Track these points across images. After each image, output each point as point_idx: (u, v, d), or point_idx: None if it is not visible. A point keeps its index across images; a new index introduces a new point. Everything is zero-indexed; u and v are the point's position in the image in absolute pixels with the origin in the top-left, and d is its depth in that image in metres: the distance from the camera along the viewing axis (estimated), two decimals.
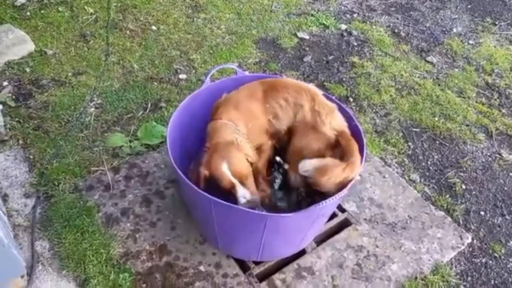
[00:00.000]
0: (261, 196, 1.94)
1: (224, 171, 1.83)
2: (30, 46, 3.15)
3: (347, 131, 2.03)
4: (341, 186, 1.81)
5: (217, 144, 1.90)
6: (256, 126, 2.04)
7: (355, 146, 1.93)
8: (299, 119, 2.06)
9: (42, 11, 3.50)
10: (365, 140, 2.00)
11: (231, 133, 1.93)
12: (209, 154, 1.89)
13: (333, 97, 2.22)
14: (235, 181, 1.82)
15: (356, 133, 2.03)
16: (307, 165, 1.89)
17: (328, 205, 1.74)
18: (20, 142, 2.55)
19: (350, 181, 1.83)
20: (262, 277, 2.08)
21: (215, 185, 1.86)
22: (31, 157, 2.48)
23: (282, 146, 2.14)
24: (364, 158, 1.91)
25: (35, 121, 2.68)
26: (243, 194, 1.82)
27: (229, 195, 1.84)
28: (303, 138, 2.04)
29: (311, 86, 2.16)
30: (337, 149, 1.98)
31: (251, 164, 1.93)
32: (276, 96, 2.08)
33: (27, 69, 3.03)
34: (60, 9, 3.54)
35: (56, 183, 2.34)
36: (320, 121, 2.02)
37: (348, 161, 1.85)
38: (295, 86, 2.12)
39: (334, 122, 2.03)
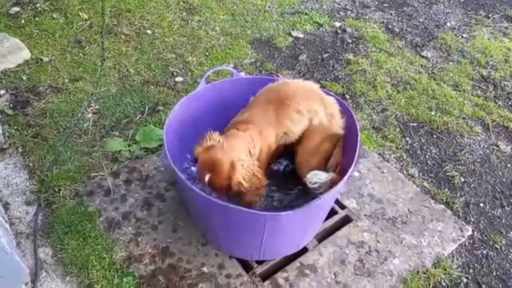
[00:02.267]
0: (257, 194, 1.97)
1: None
2: (25, 54, 3.16)
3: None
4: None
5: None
6: (264, 150, 2.04)
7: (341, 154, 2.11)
8: (315, 123, 2.09)
9: (36, 19, 3.50)
10: (359, 136, 2.02)
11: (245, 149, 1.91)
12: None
13: (331, 93, 2.23)
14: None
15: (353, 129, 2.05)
16: (316, 180, 1.98)
17: (325, 200, 1.75)
18: (20, 150, 2.55)
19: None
20: (265, 276, 2.08)
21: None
22: (31, 164, 2.48)
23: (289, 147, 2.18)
24: (357, 153, 1.92)
25: (34, 129, 2.68)
26: None
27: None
28: (316, 139, 2.10)
29: (312, 85, 2.17)
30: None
31: None
32: (288, 113, 2.05)
33: (24, 77, 3.04)
34: (54, 16, 3.55)
35: (57, 190, 2.35)
36: (334, 123, 2.11)
37: (339, 168, 2.02)
38: (303, 93, 2.09)
39: (341, 121, 2.13)
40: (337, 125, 2.12)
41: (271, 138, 2.05)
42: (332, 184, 1.95)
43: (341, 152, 2.12)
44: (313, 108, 2.07)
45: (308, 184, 1.99)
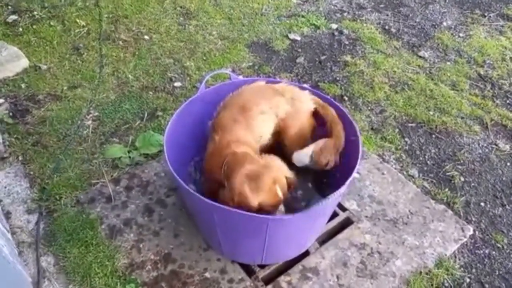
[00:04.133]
0: None
1: (279, 193, 1.79)
2: (24, 62, 3.16)
3: (318, 99, 2.18)
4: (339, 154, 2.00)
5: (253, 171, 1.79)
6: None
7: (332, 111, 2.12)
8: (283, 116, 2.10)
9: (34, 26, 3.51)
10: (361, 138, 2.03)
11: (255, 160, 1.87)
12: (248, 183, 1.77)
13: (328, 96, 2.24)
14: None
15: (352, 131, 2.05)
16: (302, 158, 1.99)
17: (327, 204, 1.76)
18: (20, 158, 2.56)
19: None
20: (268, 280, 2.09)
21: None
22: (32, 173, 2.49)
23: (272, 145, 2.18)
24: (360, 156, 1.93)
25: (34, 137, 2.68)
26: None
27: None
28: (292, 129, 2.10)
29: (260, 82, 2.21)
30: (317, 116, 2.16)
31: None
32: (254, 117, 2.04)
33: (23, 85, 3.04)
34: (51, 23, 3.55)
35: (58, 198, 2.35)
36: (299, 104, 2.11)
37: (334, 133, 2.05)
38: (258, 93, 2.10)
39: (305, 96, 2.15)
40: (304, 103, 2.12)
41: (255, 147, 2.04)
42: (321, 151, 1.99)
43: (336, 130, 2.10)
44: (273, 104, 2.07)
45: (300, 165, 2.01)
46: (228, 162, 1.83)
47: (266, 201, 1.76)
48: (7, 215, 2.26)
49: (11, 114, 2.82)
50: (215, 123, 2.05)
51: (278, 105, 2.09)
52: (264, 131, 2.08)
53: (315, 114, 2.17)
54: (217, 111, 2.11)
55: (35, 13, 3.62)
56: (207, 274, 2.08)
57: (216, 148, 1.95)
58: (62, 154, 2.57)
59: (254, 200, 1.74)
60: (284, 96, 2.12)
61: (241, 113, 2.02)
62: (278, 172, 1.83)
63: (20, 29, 3.48)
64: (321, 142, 2.05)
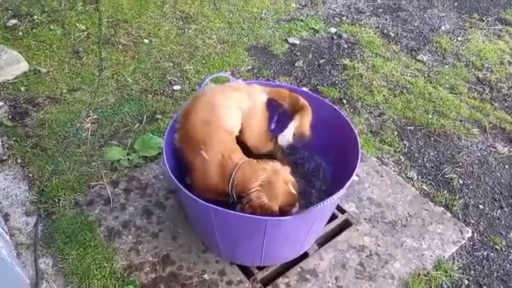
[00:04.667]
0: None
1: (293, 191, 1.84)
2: (24, 66, 3.17)
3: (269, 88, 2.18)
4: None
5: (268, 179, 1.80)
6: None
7: (287, 92, 2.15)
8: (245, 110, 2.06)
9: (34, 30, 3.52)
10: (359, 140, 2.03)
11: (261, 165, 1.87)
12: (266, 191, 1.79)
13: (327, 100, 2.25)
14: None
15: (350, 134, 2.06)
16: (288, 137, 2.03)
17: (326, 207, 1.76)
18: (19, 161, 2.56)
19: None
20: (267, 282, 2.08)
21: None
22: (30, 175, 2.49)
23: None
24: (359, 158, 1.93)
25: (33, 139, 2.69)
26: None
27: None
28: (254, 122, 2.09)
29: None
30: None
31: None
32: (221, 109, 2.01)
33: (22, 88, 3.05)
34: (51, 27, 3.57)
35: (57, 200, 2.35)
36: (255, 97, 2.11)
37: (300, 108, 2.08)
38: (223, 91, 2.08)
39: (257, 88, 2.14)
40: (258, 96, 2.11)
41: (235, 144, 2.03)
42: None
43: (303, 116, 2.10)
44: (236, 99, 2.06)
45: (287, 144, 2.05)
46: (237, 177, 1.82)
47: (284, 202, 1.81)
48: (6, 217, 2.26)
49: (10, 117, 2.83)
50: (189, 137, 1.94)
51: (240, 99, 2.07)
52: (234, 124, 2.03)
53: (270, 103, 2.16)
54: (179, 121, 2.02)
55: (35, 17, 3.64)
56: (205, 276, 2.08)
57: (212, 165, 1.86)
58: (61, 157, 2.57)
59: (275, 206, 1.78)
60: (241, 91, 2.10)
61: (209, 111, 1.96)
62: (285, 172, 1.86)
63: (20, 33, 3.49)
64: (297, 118, 2.07)
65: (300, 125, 2.06)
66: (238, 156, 1.90)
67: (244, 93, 2.09)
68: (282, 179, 1.81)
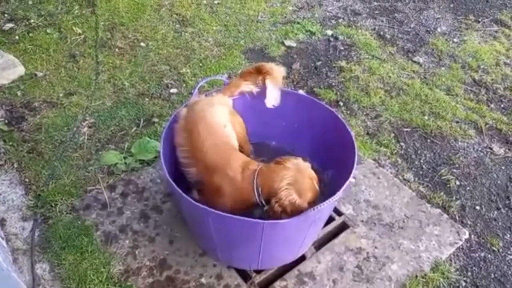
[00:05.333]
0: None
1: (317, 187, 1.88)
2: (20, 70, 3.17)
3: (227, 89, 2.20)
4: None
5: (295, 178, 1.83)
6: None
7: (248, 72, 2.19)
8: (231, 109, 2.13)
9: (30, 34, 3.52)
10: (355, 142, 2.04)
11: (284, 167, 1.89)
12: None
13: (323, 102, 2.26)
14: None
15: (346, 136, 2.06)
16: (271, 100, 2.09)
17: (323, 209, 1.76)
18: (15, 165, 2.55)
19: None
20: (264, 286, 2.08)
21: None
22: (27, 180, 2.48)
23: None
24: (355, 160, 1.94)
25: (29, 144, 2.68)
26: None
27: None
28: (241, 131, 2.16)
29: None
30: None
31: None
32: (214, 117, 2.03)
33: (19, 93, 3.04)
34: (48, 31, 3.57)
35: (53, 205, 2.34)
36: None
37: (269, 72, 2.11)
38: (215, 110, 2.06)
39: (221, 96, 2.16)
40: (226, 101, 2.15)
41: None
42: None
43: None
44: (224, 112, 2.08)
45: (276, 103, 2.10)
46: (260, 182, 1.85)
47: (311, 199, 1.84)
48: (2, 222, 2.26)
49: (6, 121, 2.83)
50: (201, 161, 1.93)
51: (225, 112, 2.08)
52: (234, 138, 2.06)
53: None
54: (182, 144, 2.00)
55: (32, 21, 3.64)
56: (203, 280, 2.07)
57: (240, 181, 1.88)
58: (58, 161, 2.57)
59: (304, 203, 1.81)
60: (222, 104, 2.12)
61: (213, 133, 1.96)
62: (308, 168, 1.89)
63: (17, 37, 3.49)
64: (270, 80, 2.10)
65: (276, 83, 2.08)
66: (253, 164, 1.93)
67: (224, 105, 2.10)
68: (307, 175, 1.85)
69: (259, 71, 2.16)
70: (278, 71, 2.14)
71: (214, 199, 1.88)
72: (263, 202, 1.86)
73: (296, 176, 1.82)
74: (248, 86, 2.19)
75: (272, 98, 2.04)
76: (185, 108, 2.09)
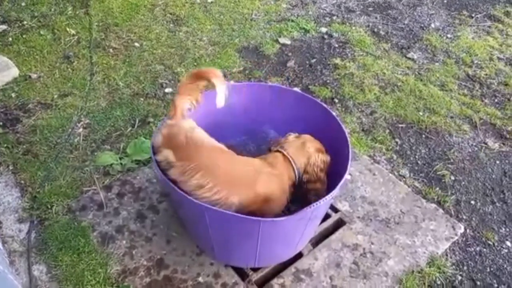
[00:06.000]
0: None
1: None
2: (14, 72, 3.16)
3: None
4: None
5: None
6: None
7: (188, 83, 2.03)
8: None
9: (24, 36, 3.51)
10: (349, 139, 2.04)
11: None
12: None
13: (318, 100, 2.26)
14: None
15: (340, 133, 2.07)
16: (221, 100, 1.99)
17: (320, 207, 1.77)
18: (11, 167, 2.55)
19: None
20: (261, 283, 2.09)
21: None
22: (22, 182, 2.48)
23: None
24: (350, 157, 1.94)
25: (24, 146, 2.68)
26: None
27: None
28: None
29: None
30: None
31: None
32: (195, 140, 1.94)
33: (13, 95, 3.03)
34: (41, 32, 3.56)
35: (49, 206, 2.34)
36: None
37: (209, 75, 1.98)
38: (197, 133, 1.99)
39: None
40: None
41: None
42: None
43: None
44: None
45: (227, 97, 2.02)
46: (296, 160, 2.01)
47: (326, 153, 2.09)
48: None
49: (1, 123, 2.81)
50: (227, 182, 1.85)
51: (193, 125, 2.02)
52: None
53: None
54: (190, 177, 1.84)
55: (25, 22, 3.62)
56: (200, 279, 2.08)
57: (281, 172, 1.98)
58: (53, 163, 2.56)
59: (328, 157, 2.07)
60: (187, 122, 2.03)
61: (218, 154, 1.92)
62: (309, 136, 2.13)
63: (10, 39, 3.47)
64: (215, 81, 2.00)
65: (222, 81, 2.00)
66: (271, 156, 2.03)
67: (196, 127, 2.02)
68: (314, 141, 2.09)
69: (198, 77, 2.02)
70: (215, 70, 2.04)
71: (263, 209, 1.88)
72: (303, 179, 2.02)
73: (312, 142, 2.06)
74: (188, 103, 2.03)
75: (224, 97, 2.00)
76: (162, 140, 1.92)
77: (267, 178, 1.91)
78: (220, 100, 1.98)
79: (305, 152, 2.02)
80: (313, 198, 1.97)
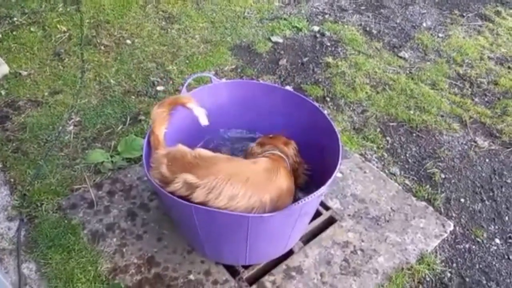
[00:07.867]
0: None
1: None
2: (4, 69, 3.13)
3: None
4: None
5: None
6: None
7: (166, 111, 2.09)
8: None
9: (14, 33, 3.47)
10: (340, 137, 2.05)
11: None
12: None
13: (310, 98, 2.27)
14: None
15: (331, 131, 2.08)
16: (204, 120, 2.10)
17: (308, 203, 1.77)
18: (0, 165, 2.52)
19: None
20: (252, 281, 2.09)
21: None
22: (12, 180, 2.46)
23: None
24: (340, 155, 1.95)
25: (14, 144, 2.66)
26: None
27: None
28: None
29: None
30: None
31: None
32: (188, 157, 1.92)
33: (3, 92, 3.01)
34: (32, 29, 3.53)
35: (39, 204, 2.32)
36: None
37: (184, 101, 2.09)
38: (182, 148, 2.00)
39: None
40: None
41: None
42: None
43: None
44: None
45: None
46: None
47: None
48: None
49: None
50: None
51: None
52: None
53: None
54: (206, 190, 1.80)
55: (15, 19, 3.59)
56: (191, 276, 2.08)
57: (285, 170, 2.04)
58: (43, 160, 2.54)
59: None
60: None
61: (215, 161, 1.89)
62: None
63: (0, 36, 3.44)
64: (191, 105, 2.10)
65: (195, 104, 2.10)
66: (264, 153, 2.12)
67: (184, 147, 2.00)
68: (278, 138, 2.24)
69: (172, 104, 2.07)
70: (187, 97, 2.12)
71: (284, 201, 1.91)
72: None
73: (279, 139, 2.18)
74: (164, 131, 2.06)
75: (206, 117, 2.10)
76: (170, 169, 1.85)
77: (281, 171, 1.96)
78: (204, 120, 2.09)
79: (285, 148, 2.15)
80: (304, 180, 2.19)
